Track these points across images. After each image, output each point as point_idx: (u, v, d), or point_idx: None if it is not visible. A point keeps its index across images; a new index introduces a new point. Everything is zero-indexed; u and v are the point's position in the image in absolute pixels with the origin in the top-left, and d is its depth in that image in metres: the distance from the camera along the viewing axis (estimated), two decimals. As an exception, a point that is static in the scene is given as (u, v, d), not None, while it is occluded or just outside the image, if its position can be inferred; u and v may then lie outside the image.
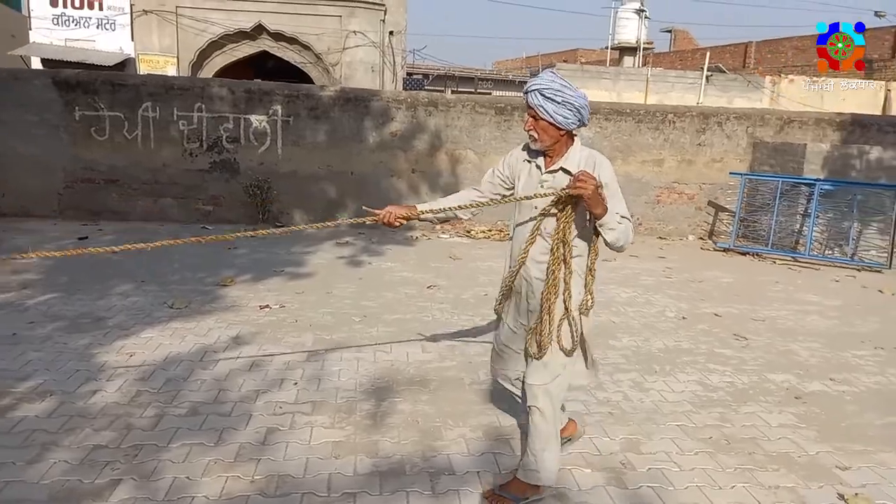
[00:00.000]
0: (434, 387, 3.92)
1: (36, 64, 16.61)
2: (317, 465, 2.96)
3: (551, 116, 2.50)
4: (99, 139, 8.88)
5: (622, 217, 2.48)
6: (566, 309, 2.63)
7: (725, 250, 9.47)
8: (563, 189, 2.50)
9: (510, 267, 2.79)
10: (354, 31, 17.90)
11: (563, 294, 2.62)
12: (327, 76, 18.11)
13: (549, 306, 2.62)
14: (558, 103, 2.47)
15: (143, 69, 16.96)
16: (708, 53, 21.50)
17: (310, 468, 2.93)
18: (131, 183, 9.05)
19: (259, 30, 17.60)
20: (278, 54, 18.13)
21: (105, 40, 17.16)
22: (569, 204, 2.52)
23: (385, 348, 4.56)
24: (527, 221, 2.70)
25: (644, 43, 22.96)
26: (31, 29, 16.97)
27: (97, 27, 17.10)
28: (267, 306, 5.40)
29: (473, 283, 6.56)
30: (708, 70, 20.46)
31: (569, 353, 2.68)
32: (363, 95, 9.55)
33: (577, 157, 2.58)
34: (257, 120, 9.20)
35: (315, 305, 5.50)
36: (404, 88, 18.44)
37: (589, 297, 2.71)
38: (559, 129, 2.53)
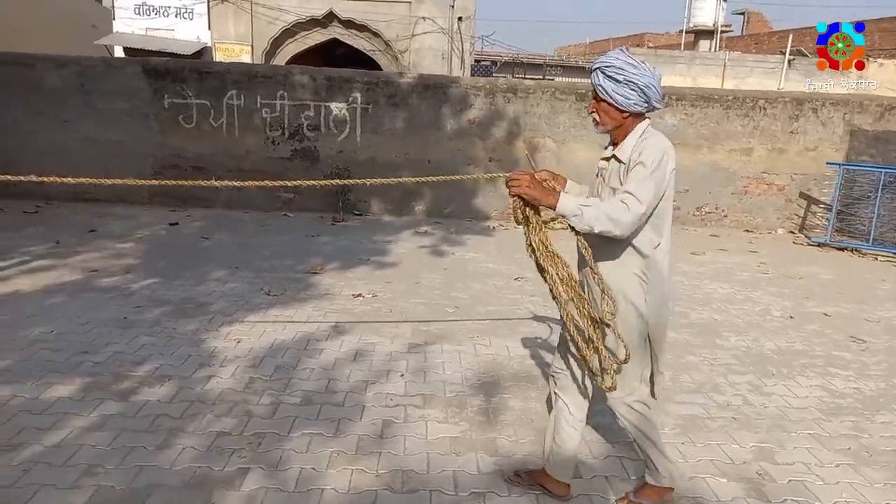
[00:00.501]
0: (541, 383, 3.81)
1: (119, 53, 17.23)
2: (439, 462, 2.90)
3: (610, 96, 2.29)
4: (186, 127, 9.11)
5: (611, 202, 2.22)
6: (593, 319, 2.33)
7: (820, 245, 8.98)
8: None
9: None
10: (423, 18, 17.82)
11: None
12: (396, 64, 18.10)
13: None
14: (619, 82, 2.26)
15: (218, 57, 17.34)
16: (790, 36, 20.40)
17: (432, 464, 2.88)
18: (216, 170, 9.24)
19: (330, 17, 17.72)
20: (348, 42, 18.23)
21: (183, 29, 17.63)
22: (521, 205, 2.35)
23: (484, 341, 4.48)
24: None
25: (722, 26, 22.00)
26: (115, 19, 17.60)
27: (176, 16, 17.58)
28: (360, 295, 5.40)
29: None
30: (790, 54, 19.45)
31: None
32: (442, 82, 9.45)
33: (633, 142, 2.33)
34: (337, 107, 9.24)
35: (406, 295, 5.47)
36: (472, 75, 18.27)
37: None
38: (621, 110, 2.31)
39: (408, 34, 17.93)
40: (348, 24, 17.85)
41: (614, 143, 2.42)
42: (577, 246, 2.37)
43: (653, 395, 2.56)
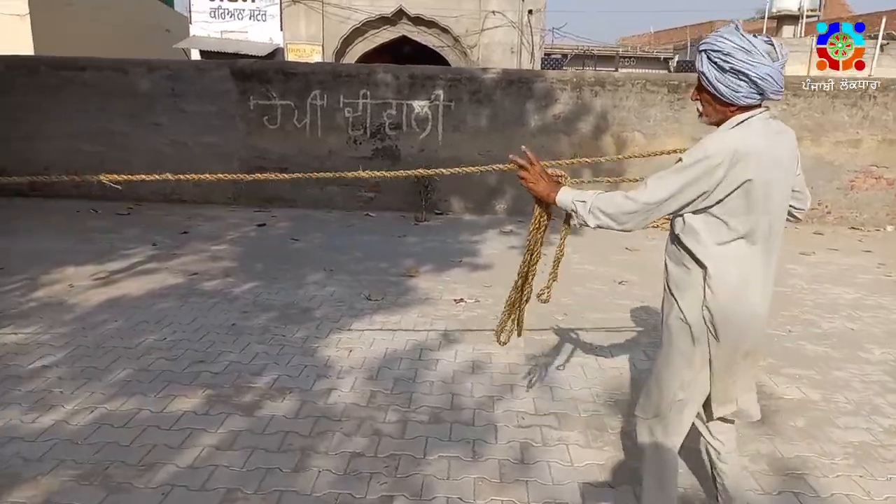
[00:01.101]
0: (681, 402, 3.50)
1: (195, 56, 17.68)
2: (594, 494, 2.66)
3: (713, 86, 1.94)
4: (271, 128, 9.14)
5: (610, 195, 2.02)
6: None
7: (942, 244, 8.24)
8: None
9: None
10: (493, 12, 17.52)
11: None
12: (465, 59, 17.88)
13: None
14: (724, 71, 1.91)
15: (290, 58, 17.53)
16: (884, 18, 19.06)
17: (588, 497, 2.63)
18: (299, 171, 9.21)
19: (399, 14, 17.65)
20: (417, 39, 18.12)
21: (256, 31, 17.91)
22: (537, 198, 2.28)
23: (605, 353, 4.20)
24: None
25: (808, 10, 20.75)
26: (191, 23, 18.03)
27: (250, 18, 17.87)
28: (461, 300, 5.20)
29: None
30: (883, 38, 18.17)
31: None
32: (526, 77, 9.17)
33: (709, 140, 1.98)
34: (419, 105, 9.08)
35: (509, 301, 5.22)
36: (541, 69, 17.85)
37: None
38: (726, 103, 1.96)
39: (477, 29, 17.67)
40: (417, 20, 17.73)
41: None
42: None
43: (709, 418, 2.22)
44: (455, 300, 5.20)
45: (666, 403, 2.14)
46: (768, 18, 22.00)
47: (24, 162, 9.16)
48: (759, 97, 1.94)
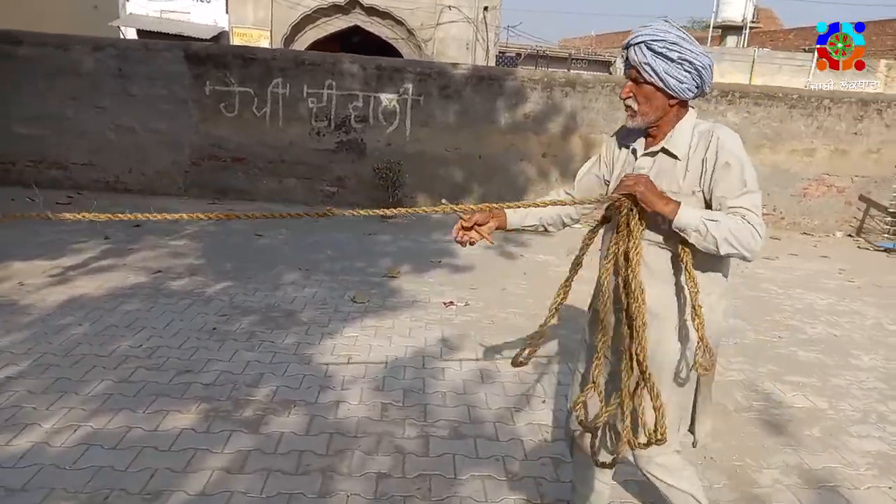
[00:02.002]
0: (698, 412, 3.44)
1: (131, 35, 16.64)
2: (641, 514, 2.54)
3: (660, 79, 1.81)
4: (228, 115, 8.63)
5: (731, 217, 1.77)
6: (639, 364, 1.87)
7: (887, 250, 8.67)
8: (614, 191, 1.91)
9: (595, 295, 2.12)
10: (449, 7, 17.34)
11: (634, 341, 1.87)
12: (419, 53, 17.62)
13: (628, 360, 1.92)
14: (672, 61, 1.79)
15: (235, 42, 16.78)
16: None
17: (636, 518, 2.51)
18: (257, 161, 8.79)
19: (352, 3, 17.20)
20: (370, 29, 17.72)
21: (199, 12, 17.06)
22: (628, 208, 1.87)
23: (610, 360, 4.11)
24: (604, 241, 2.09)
25: (750, 22, 21.58)
26: (128, 0, 16.97)
27: (192, -1, 16.99)
28: (451, 303, 5.01)
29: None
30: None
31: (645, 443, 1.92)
32: (497, 74, 9.03)
33: (688, 134, 1.88)
34: (387, 98, 8.79)
35: (499, 304, 5.08)
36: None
37: (701, 345, 1.85)
38: (669, 96, 1.84)
39: (432, 23, 17.45)
40: (371, 10, 17.33)
41: (649, 136, 1.96)
42: (653, 259, 1.91)
43: (694, 444, 2.13)
44: (444, 303, 5.00)
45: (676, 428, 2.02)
46: (713, 28, 22.82)
47: (-54, 143, 8.31)
48: (696, 91, 1.85)
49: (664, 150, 1.91)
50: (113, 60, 8.37)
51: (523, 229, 2.23)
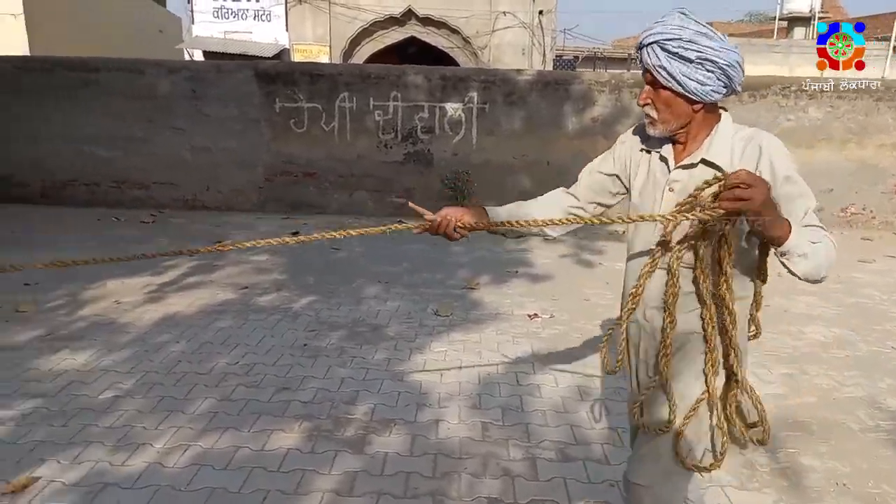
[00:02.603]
0: (819, 432, 3.23)
1: (198, 56, 17.24)
2: (778, 546, 2.36)
3: (678, 82, 1.58)
4: (297, 131, 8.78)
5: (816, 232, 1.52)
6: (706, 389, 1.69)
7: None
8: (711, 206, 1.47)
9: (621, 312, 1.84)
10: (504, 13, 17.27)
11: (707, 363, 1.68)
12: (475, 60, 17.60)
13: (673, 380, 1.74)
14: (690, 62, 1.56)
15: (296, 58, 17.16)
16: None
17: (774, 550, 2.34)
18: (327, 175, 8.91)
19: (408, 15, 17.34)
20: (426, 39, 17.82)
21: (261, 31, 17.50)
22: (719, 227, 1.54)
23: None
24: (644, 252, 1.77)
25: (819, 12, 20.71)
26: (193, 23, 17.59)
27: (254, 19, 17.46)
28: (535, 315, 4.90)
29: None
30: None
31: (700, 468, 1.76)
32: (563, 79, 8.89)
33: (728, 142, 1.64)
34: (452, 108, 8.77)
35: (585, 315, 4.94)
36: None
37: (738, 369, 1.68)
38: (692, 101, 1.61)
39: (487, 30, 17.40)
40: (427, 21, 17.43)
41: (677, 143, 1.71)
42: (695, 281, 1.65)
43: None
44: (529, 315, 4.90)
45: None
46: (779, 20, 22.00)
47: (33, 168, 8.76)
48: (724, 91, 1.61)
49: (705, 161, 1.66)
50: (187, 83, 8.64)
51: (512, 227, 1.88)
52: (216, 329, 4.35)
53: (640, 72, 1.70)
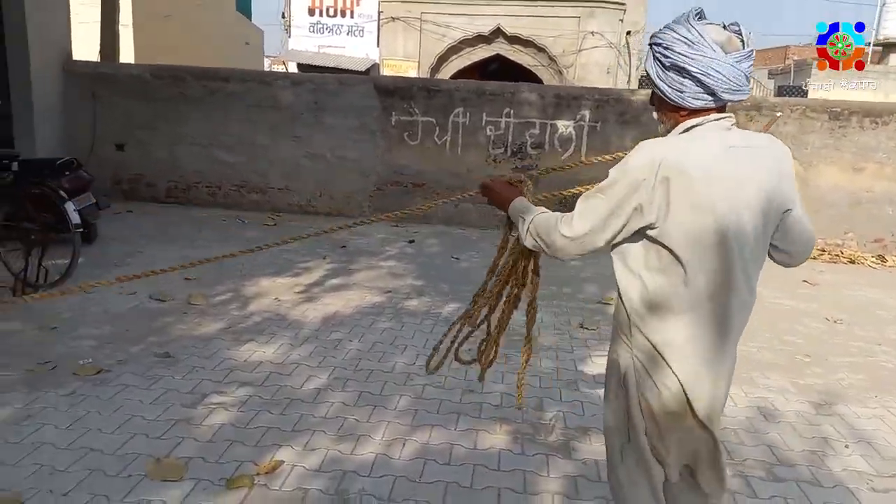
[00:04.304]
0: None
1: (292, 68, 17.92)
2: None
3: (657, 86, 1.67)
4: (411, 144, 9.02)
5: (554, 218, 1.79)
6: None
7: None
8: None
9: None
10: (592, 32, 17.33)
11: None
12: (559, 78, 17.70)
13: None
14: (665, 68, 1.63)
15: (385, 73, 17.63)
16: None
17: None
18: (435, 187, 9.11)
19: (496, 33, 17.61)
20: (512, 57, 18.04)
21: (353, 46, 18.10)
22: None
23: (893, 407, 3.83)
24: None
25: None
26: (290, 37, 18.33)
27: (347, 34, 18.08)
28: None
29: (880, 320, 5.61)
30: None
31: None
32: (677, 99, 8.86)
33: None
34: (563, 125, 8.86)
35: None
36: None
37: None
38: (674, 106, 1.66)
39: (574, 49, 17.49)
40: (514, 39, 17.66)
41: None
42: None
43: None
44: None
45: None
46: (874, 46, 21.36)
47: (163, 169, 9.25)
48: (710, 98, 1.60)
49: None
50: (310, 94, 9.00)
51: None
52: (380, 330, 4.52)
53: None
